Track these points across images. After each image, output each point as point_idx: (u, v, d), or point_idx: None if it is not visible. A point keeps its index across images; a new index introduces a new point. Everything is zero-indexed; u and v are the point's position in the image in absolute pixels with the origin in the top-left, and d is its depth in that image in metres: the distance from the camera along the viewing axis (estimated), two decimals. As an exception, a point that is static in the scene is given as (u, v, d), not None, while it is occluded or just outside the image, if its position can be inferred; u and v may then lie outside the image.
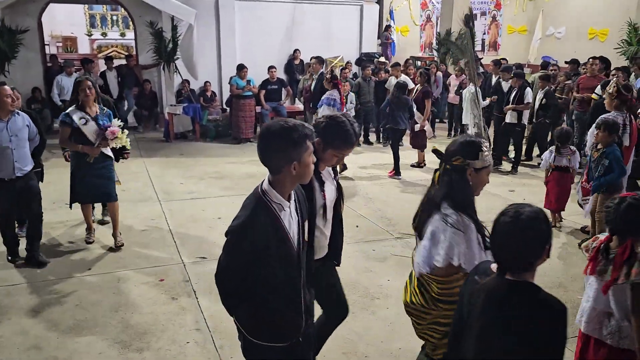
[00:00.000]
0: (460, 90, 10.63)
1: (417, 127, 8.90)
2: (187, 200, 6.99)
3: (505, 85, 9.36)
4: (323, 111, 8.19)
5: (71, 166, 5.21)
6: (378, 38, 15.59)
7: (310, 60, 10.43)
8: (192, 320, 3.95)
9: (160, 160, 9.14)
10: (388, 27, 16.95)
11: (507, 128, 8.79)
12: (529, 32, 16.64)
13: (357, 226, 6.02)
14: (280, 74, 12.15)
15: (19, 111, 4.73)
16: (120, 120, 5.24)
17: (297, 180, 2.19)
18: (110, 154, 5.26)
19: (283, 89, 11.61)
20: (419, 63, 16.41)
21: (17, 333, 3.74)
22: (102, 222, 6.01)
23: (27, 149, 4.74)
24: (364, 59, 13.81)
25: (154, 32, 11.48)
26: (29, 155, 4.78)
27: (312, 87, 9.74)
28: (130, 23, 14.41)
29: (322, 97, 8.35)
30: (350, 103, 10.58)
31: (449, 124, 12.31)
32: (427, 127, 9.08)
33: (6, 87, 4.52)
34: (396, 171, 8.41)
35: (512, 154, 9.15)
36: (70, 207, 5.35)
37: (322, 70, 9.49)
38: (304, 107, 11.06)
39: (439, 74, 12.76)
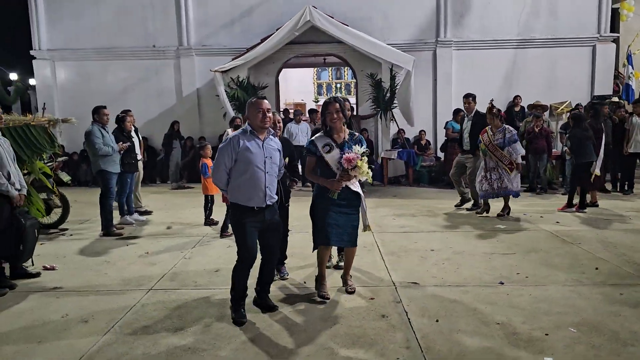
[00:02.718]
0: None
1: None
2: (399, 233, 6.84)
3: None
4: (518, 150, 7.50)
5: (313, 201, 4.48)
6: (615, 79, 13.83)
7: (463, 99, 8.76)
8: (403, 338, 3.64)
9: (373, 200, 9.25)
10: None
11: None
12: None
13: (596, 268, 5.10)
14: (499, 119, 11.53)
15: (272, 135, 4.21)
16: (363, 147, 4.25)
17: None
18: (359, 189, 4.39)
19: (502, 132, 10.93)
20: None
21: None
22: (337, 267, 5.23)
23: (276, 176, 4.17)
24: (596, 103, 12.37)
25: (374, 82, 12.02)
26: (276, 184, 4.19)
27: (466, 127, 8.36)
28: (352, 89, 15.54)
29: (509, 136, 7.48)
30: None
31: None
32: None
33: (265, 101, 4.04)
34: (581, 205, 7.91)
35: None
36: (314, 250, 4.52)
37: (476, 108, 8.36)
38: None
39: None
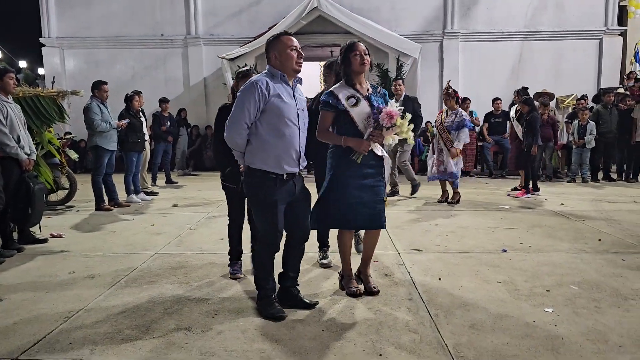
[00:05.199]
0: None
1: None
2: (403, 211, 6.87)
3: None
4: (462, 137, 7.15)
5: (328, 173, 3.56)
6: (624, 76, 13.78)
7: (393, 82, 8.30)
8: (405, 292, 3.67)
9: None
10: None
11: None
12: None
13: (599, 240, 5.12)
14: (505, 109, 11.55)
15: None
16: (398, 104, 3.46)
17: None
18: (385, 153, 3.55)
19: (508, 122, 10.93)
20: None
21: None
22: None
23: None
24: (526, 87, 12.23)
25: (381, 72, 12.05)
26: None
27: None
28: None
29: (458, 120, 7.18)
30: (590, 134, 9.47)
31: None
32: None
33: (292, 37, 3.22)
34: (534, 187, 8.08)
35: None
36: (315, 228, 3.69)
37: (405, 92, 7.99)
38: None
39: None
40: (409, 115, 3.46)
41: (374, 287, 3.65)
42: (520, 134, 8.21)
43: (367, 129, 3.40)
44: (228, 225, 4.19)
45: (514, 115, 8.49)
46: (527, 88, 8.92)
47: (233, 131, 3.12)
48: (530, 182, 8.09)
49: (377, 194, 3.52)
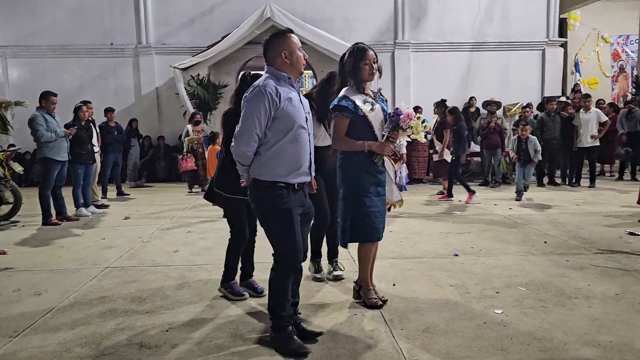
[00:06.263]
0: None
1: (435, 157, 9.18)
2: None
3: None
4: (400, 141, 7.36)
5: (348, 185, 3.43)
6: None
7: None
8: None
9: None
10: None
11: None
12: None
13: (545, 242, 5.33)
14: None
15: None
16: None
17: None
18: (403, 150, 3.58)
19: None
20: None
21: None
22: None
23: None
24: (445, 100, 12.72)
25: (334, 81, 12.18)
26: None
27: None
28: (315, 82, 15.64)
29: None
30: (535, 151, 9.77)
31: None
32: (448, 157, 8.63)
33: (294, 35, 2.92)
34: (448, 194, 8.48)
35: None
36: (346, 246, 3.61)
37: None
38: None
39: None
40: (422, 116, 3.55)
41: (382, 296, 3.62)
42: (437, 145, 8.73)
43: (381, 133, 3.39)
44: (234, 243, 3.76)
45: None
46: (445, 100, 9.21)
47: (242, 143, 2.78)
48: (448, 188, 8.59)
49: (385, 203, 3.55)
